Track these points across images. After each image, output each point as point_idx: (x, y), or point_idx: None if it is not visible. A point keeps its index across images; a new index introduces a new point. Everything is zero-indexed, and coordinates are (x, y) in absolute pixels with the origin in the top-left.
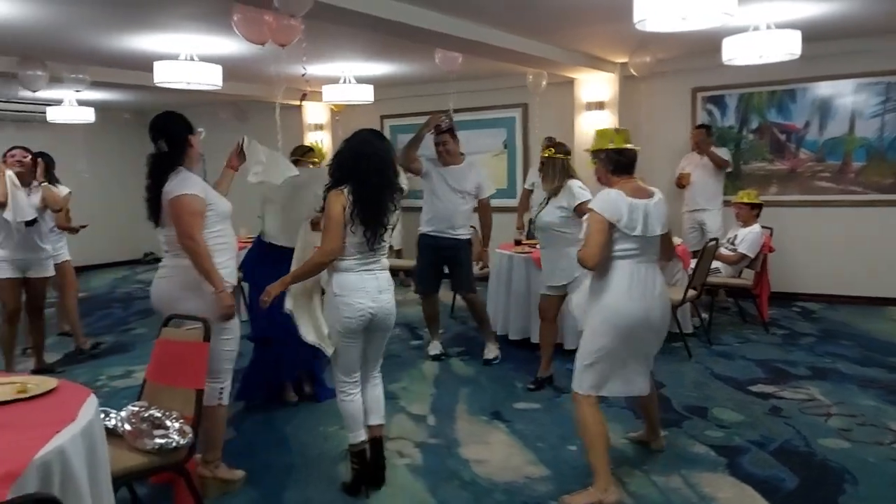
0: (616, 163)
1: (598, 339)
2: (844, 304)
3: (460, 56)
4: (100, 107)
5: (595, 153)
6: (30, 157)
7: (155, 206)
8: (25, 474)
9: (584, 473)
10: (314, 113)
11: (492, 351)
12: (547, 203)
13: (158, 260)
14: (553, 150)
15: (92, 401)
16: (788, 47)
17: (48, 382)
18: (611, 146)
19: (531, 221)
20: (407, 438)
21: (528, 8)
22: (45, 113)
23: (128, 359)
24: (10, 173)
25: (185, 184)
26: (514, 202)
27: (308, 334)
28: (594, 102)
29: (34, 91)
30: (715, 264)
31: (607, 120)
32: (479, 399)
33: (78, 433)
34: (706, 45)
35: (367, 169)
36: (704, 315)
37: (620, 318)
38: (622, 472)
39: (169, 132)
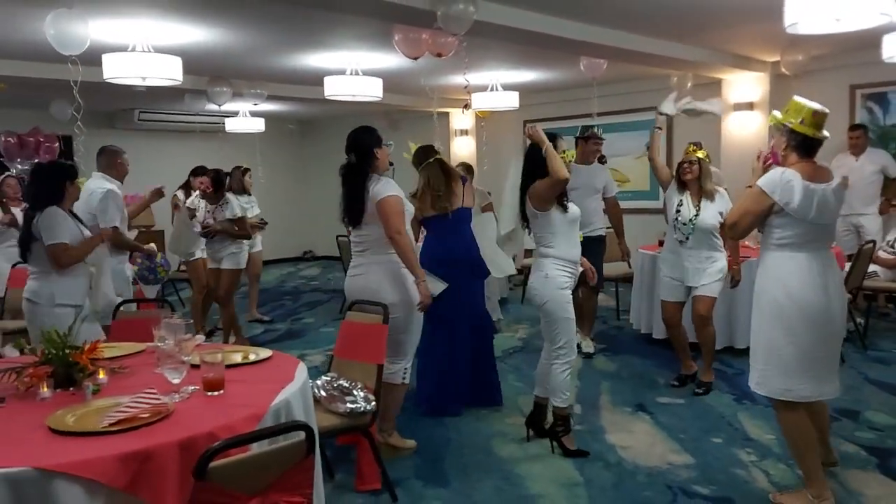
0: (799, 143)
1: (790, 337)
2: None
3: (605, 62)
4: (269, 118)
5: (778, 126)
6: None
7: (354, 210)
8: (265, 417)
9: (728, 463)
10: (460, 119)
11: (590, 346)
12: (699, 206)
13: (317, 258)
14: (705, 153)
15: (303, 367)
16: None
17: (264, 352)
18: (798, 126)
19: (679, 222)
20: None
21: (671, 12)
22: (223, 124)
23: (300, 343)
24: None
25: (389, 186)
26: (654, 204)
27: None
28: (743, 103)
29: (220, 105)
30: (872, 268)
31: (757, 121)
32: (622, 392)
33: (297, 389)
34: (865, 40)
35: None
36: (860, 320)
37: (806, 311)
38: (768, 464)
39: (357, 146)
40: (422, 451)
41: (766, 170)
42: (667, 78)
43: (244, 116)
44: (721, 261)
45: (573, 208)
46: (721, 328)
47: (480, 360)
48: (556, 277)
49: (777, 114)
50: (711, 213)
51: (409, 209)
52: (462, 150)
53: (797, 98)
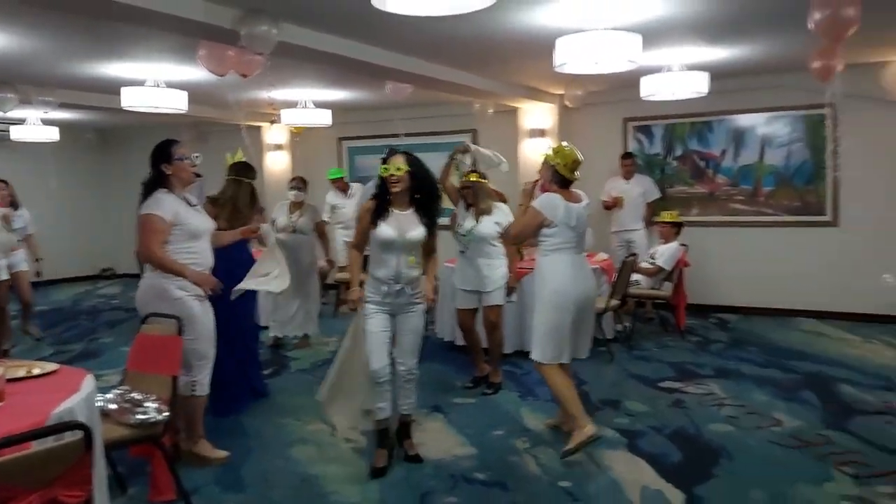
0: (559, 179)
1: (552, 316)
2: (757, 315)
3: (410, 87)
4: (64, 126)
5: (548, 163)
6: None
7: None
8: (46, 424)
9: (506, 451)
10: (274, 134)
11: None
12: (479, 219)
13: (118, 276)
14: (478, 175)
15: (90, 378)
16: (695, 86)
17: (49, 366)
18: (561, 168)
19: (460, 233)
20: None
21: (463, 46)
22: (8, 132)
23: (97, 363)
24: None
25: (152, 204)
26: None
27: None
28: (536, 130)
29: (4, 112)
30: (635, 277)
31: (548, 147)
32: (422, 396)
33: (82, 399)
34: (632, 80)
35: None
36: (627, 324)
37: (567, 298)
38: (539, 450)
39: (153, 161)
40: (229, 455)
41: (532, 194)
42: (471, 104)
43: (34, 124)
44: (502, 268)
45: (381, 230)
46: (513, 333)
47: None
48: (365, 295)
49: (551, 152)
50: (488, 223)
51: (194, 228)
52: (276, 164)
53: (566, 146)
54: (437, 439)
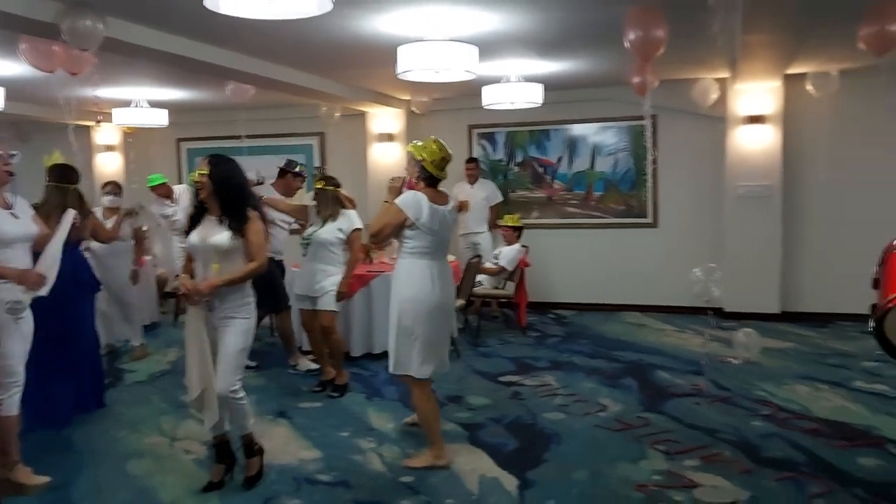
0: (426, 176)
1: (413, 327)
2: (591, 311)
3: (252, 88)
4: None
5: (414, 157)
6: None
7: None
8: None
9: (350, 452)
10: (105, 134)
11: (306, 364)
12: (324, 224)
13: None
14: (324, 183)
15: None
16: (531, 97)
17: None
18: (428, 165)
19: (302, 237)
20: (193, 439)
21: (308, 49)
22: None
23: None
24: None
25: None
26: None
27: None
28: (385, 134)
29: None
30: (478, 277)
31: (396, 151)
32: (267, 402)
33: None
34: (475, 89)
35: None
36: (473, 322)
37: (425, 305)
38: (384, 448)
39: None
40: (52, 480)
41: (400, 192)
42: (318, 107)
43: None
44: (336, 276)
45: (190, 236)
46: (361, 336)
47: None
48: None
49: (418, 143)
50: (330, 230)
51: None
52: (108, 166)
53: (434, 141)
54: (281, 445)
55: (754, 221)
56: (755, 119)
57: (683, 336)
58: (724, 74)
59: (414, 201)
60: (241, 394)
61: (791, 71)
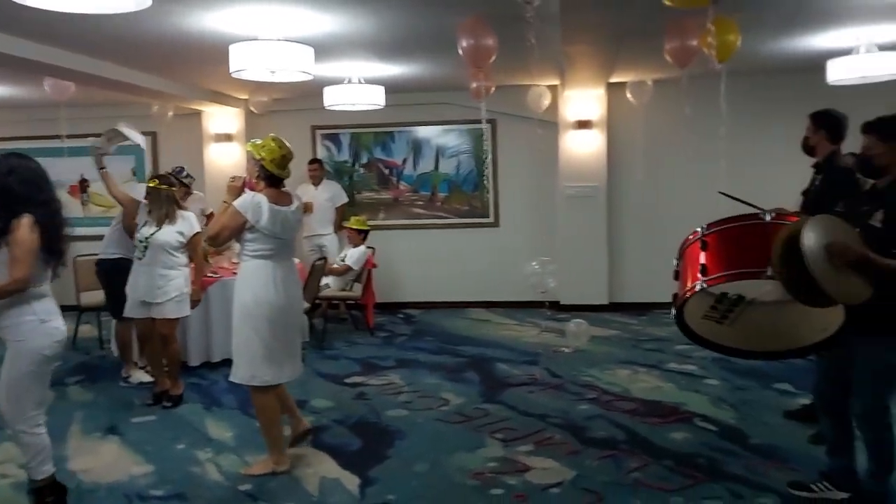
0: (267, 176)
1: (253, 331)
2: (438, 309)
3: (73, 85)
4: None
5: (253, 156)
6: None
7: None
8: None
9: (187, 463)
10: None
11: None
12: (160, 226)
13: None
14: (158, 182)
15: None
16: (373, 98)
17: None
18: (268, 164)
19: (138, 239)
20: (11, 461)
21: (139, 47)
22: None
23: None
24: None
25: None
26: None
27: None
28: (222, 134)
29: None
30: (325, 280)
31: (235, 151)
32: (96, 418)
33: None
34: (317, 89)
35: (50, 193)
36: (319, 326)
37: (270, 310)
38: (222, 458)
39: None
40: None
41: (240, 192)
42: (149, 106)
43: None
44: (178, 279)
45: None
46: (198, 344)
47: None
48: None
49: (257, 141)
50: (169, 231)
51: None
52: None
53: (273, 138)
54: (112, 462)
55: (583, 220)
56: (583, 124)
57: (522, 329)
58: (555, 82)
59: (253, 203)
60: (37, 430)
61: (613, 80)
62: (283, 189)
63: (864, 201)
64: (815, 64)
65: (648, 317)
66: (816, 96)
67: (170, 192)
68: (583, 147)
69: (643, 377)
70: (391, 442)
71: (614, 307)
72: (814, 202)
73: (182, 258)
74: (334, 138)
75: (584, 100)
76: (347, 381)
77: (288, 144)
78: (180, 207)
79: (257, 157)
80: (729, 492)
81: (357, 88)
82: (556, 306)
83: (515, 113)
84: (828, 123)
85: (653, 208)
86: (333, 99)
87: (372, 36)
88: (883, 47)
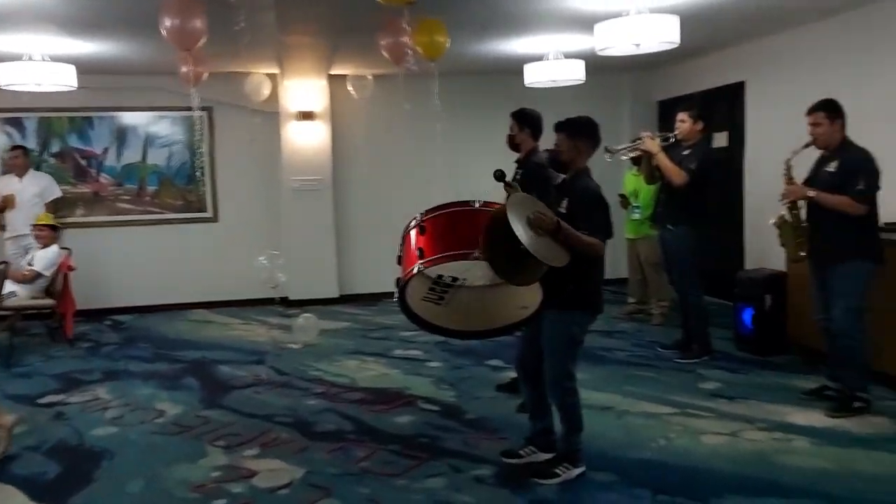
0: None
1: None
2: (153, 313)
3: None
4: None
5: None
6: None
7: None
8: None
9: None
10: None
11: None
12: None
13: None
14: None
15: None
16: (61, 78)
17: None
18: None
19: None
20: None
21: None
22: None
23: None
24: None
25: None
26: None
27: None
28: None
29: None
30: (11, 287)
31: None
32: None
33: None
34: None
35: None
36: (4, 341)
37: None
38: None
39: None
40: None
41: None
42: None
43: None
44: None
45: None
46: None
47: None
48: None
49: None
50: None
51: None
52: None
53: None
54: None
55: (310, 213)
56: (306, 115)
57: (249, 328)
58: (275, 70)
59: None
60: None
61: (334, 71)
62: None
63: (554, 193)
64: (516, 67)
65: (378, 307)
66: (517, 97)
67: None
68: (307, 139)
69: (370, 366)
70: (97, 463)
71: (345, 299)
72: None
73: None
74: (17, 123)
75: (305, 90)
76: (42, 400)
77: None
78: None
79: None
80: (450, 467)
81: (40, 66)
82: (285, 302)
83: (234, 102)
84: (531, 122)
85: (379, 200)
86: (11, 78)
87: (54, 6)
88: (568, 55)
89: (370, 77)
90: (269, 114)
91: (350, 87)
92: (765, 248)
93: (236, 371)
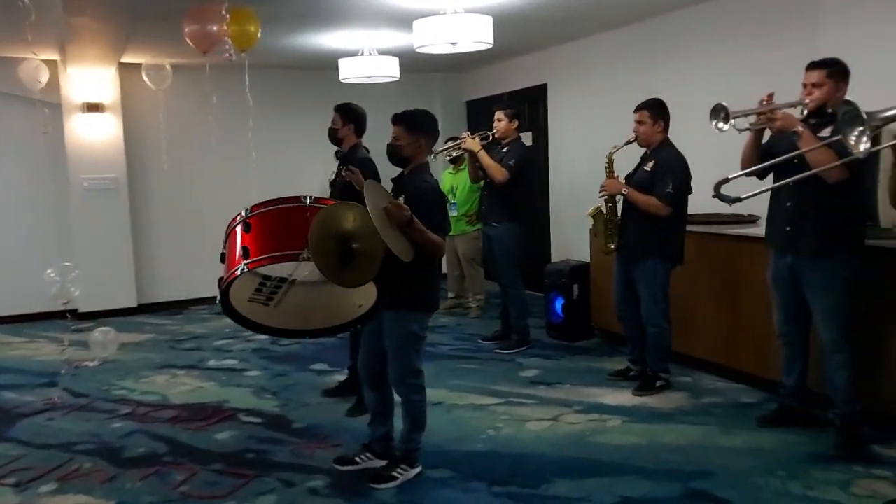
0: None
1: None
2: None
3: None
4: None
5: None
6: None
7: None
8: None
9: None
10: None
11: None
12: None
13: None
14: None
15: None
16: None
17: None
18: None
19: None
20: None
21: None
22: None
23: None
24: None
25: None
26: None
27: None
28: None
29: None
30: None
31: None
32: None
33: None
34: None
35: None
36: None
37: None
38: None
39: None
40: None
41: None
42: None
43: None
44: None
45: None
46: None
47: None
48: None
49: None
50: None
51: None
52: None
53: None
54: None
55: (103, 215)
56: (93, 107)
57: (35, 346)
58: (55, 56)
59: None
60: None
61: (126, 60)
62: None
63: (393, 188)
64: (330, 62)
65: (186, 314)
66: (332, 92)
67: None
68: (95, 133)
69: (183, 380)
70: None
71: (144, 309)
72: (341, 190)
73: None
74: None
75: (92, 80)
76: None
77: None
78: None
79: None
80: (281, 482)
81: None
82: (76, 315)
83: (5, 90)
84: (356, 118)
85: (182, 199)
86: None
87: None
88: (382, 52)
89: (168, 67)
90: (50, 104)
91: (146, 78)
92: (568, 241)
93: (23, 396)
